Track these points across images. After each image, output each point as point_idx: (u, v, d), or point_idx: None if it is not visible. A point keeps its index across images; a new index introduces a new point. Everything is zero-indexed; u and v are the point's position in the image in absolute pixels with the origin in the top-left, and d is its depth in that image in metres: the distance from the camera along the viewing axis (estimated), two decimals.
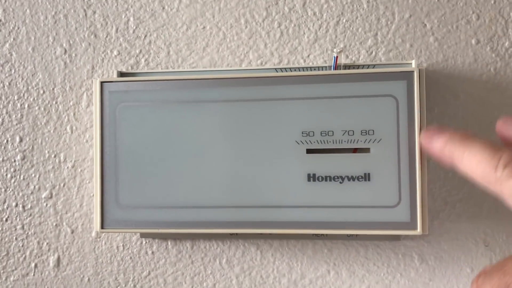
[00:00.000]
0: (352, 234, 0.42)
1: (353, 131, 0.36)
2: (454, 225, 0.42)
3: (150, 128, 0.38)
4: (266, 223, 0.37)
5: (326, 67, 0.41)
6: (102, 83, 0.38)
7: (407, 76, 0.36)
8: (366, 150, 0.36)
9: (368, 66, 0.40)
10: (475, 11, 0.43)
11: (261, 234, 0.43)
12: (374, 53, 0.43)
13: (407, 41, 0.43)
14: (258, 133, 0.37)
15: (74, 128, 0.46)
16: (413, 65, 0.39)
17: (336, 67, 0.40)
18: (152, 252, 0.45)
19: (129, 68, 0.46)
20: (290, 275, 0.44)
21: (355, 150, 0.36)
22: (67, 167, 0.46)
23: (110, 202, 0.38)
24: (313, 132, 0.36)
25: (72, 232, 0.46)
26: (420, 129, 0.35)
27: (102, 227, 0.38)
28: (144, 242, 0.45)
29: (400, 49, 0.43)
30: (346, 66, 0.41)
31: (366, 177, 0.36)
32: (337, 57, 0.40)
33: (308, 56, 0.44)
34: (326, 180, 0.36)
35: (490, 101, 0.42)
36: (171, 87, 0.38)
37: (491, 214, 0.42)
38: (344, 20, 0.44)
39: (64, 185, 0.46)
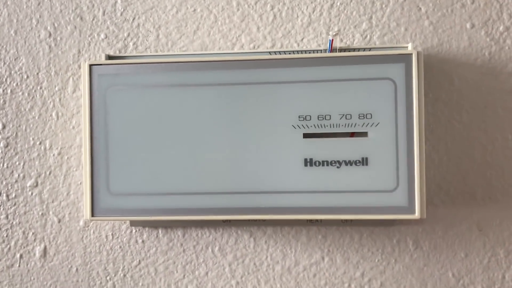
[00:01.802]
0: (348, 220, 0.41)
1: (350, 115, 0.35)
2: (448, 211, 0.42)
3: (141, 112, 0.37)
4: (261, 209, 0.36)
5: (320, 50, 0.40)
6: (90, 66, 0.37)
7: (405, 59, 0.35)
8: (364, 134, 0.35)
9: (364, 50, 0.39)
10: None
11: (254, 221, 0.43)
12: (368, 36, 0.43)
13: (402, 25, 0.43)
14: (253, 117, 0.36)
15: (60, 114, 0.45)
16: (410, 48, 0.39)
17: (332, 50, 0.39)
18: (143, 241, 0.44)
19: (117, 52, 0.44)
20: (284, 262, 0.43)
21: (352, 134, 0.36)
22: (53, 155, 0.45)
23: (100, 189, 0.37)
24: (310, 116, 0.36)
25: (59, 221, 0.45)
26: (419, 113, 0.35)
27: (92, 215, 0.37)
28: (134, 231, 0.44)
29: (395, 33, 0.42)
30: (342, 49, 0.40)
31: (364, 161, 0.35)
32: (332, 40, 0.39)
33: (302, 39, 0.43)
34: (323, 165, 0.35)
35: (485, 85, 0.42)
36: (162, 70, 0.37)
37: (484, 199, 0.42)
38: (338, 3, 0.43)
39: (50, 173, 0.45)
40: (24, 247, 0.45)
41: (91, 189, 0.37)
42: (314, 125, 0.36)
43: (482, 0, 0.42)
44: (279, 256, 0.43)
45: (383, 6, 0.43)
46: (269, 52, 0.40)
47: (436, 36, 0.42)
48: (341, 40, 0.43)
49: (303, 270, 0.43)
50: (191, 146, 0.36)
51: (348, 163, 0.35)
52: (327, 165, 0.35)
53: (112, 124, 0.37)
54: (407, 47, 0.39)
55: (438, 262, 0.42)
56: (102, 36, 0.44)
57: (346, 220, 0.41)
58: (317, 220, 0.42)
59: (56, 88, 0.45)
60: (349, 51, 0.39)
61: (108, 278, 0.45)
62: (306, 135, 0.36)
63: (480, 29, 0.42)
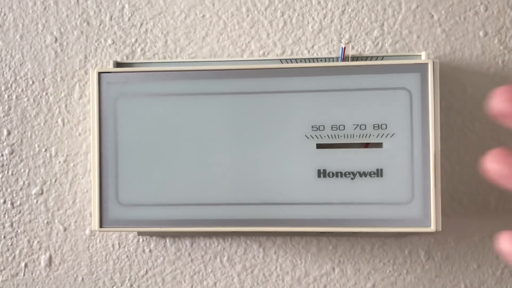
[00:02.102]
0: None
1: (365, 125, 0.35)
2: (460, 221, 0.42)
3: (151, 121, 0.36)
4: (273, 221, 0.35)
5: (332, 58, 0.40)
6: (99, 73, 0.36)
7: (421, 68, 0.34)
8: (379, 145, 0.35)
9: (377, 58, 0.39)
10: (483, 2, 0.42)
11: (263, 231, 0.42)
12: (380, 44, 0.42)
13: (414, 32, 0.42)
14: (265, 127, 0.35)
15: (66, 120, 0.44)
16: (423, 57, 0.38)
17: (344, 58, 0.38)
18: (150, 250, 0.44)
19: (124, 58, 0.44)
20: (293, 273, 0.43)
21: (367, 145, 0.35)
22: (59, 162, 0.44)
23: (109, 200, 0.36)
24: (324, 126, 0.35)
25: (65, 229, 0.44)
26: (434, 124, 0.34)
27: (100, 225, 0.36)
28: (141, 240, 0.44)
29: (407, 41, 0.42)
30: (354, 58, 0.39)
31: (379, 173, 0.35)
32: (345, 48, 0.38)
33: (313, 46, 0.42)
34: (337, 176, 0.35)
35: None
36: (173, 78, 0.36)
37: (497, 210, 0.41)
38: (350, 10, 0.42)
39: (55, 181, 0.44)
40: (29, 256, 0.44)
41: (99, 199, 0.36)
42: (327, 135, 0.35)
43: (495, 7, 0.42)
44: (289, 267, 0.43)
45: (395, 13, 0.42)
46: (280, 60, 0.40)
47: (448, 44, 0.42)
48: (352, 47, 0.42)
49: (313, 281, 0.43)
50: (201, 156, 0.36)
51: (363, 174, 0.35)
52: (341, 176, 0.35)
53: (121, 133, 0.36)
54: (420, 55, 0.39)
55: (450, 273, 0.42)
56: (109, 41, 0.44)
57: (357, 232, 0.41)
58: (327, 231, 0.41)
59: (62, 94, 0.44)
60: (362, 59, 0.39)
61: (114, 287, 0.44)
62: (319, 146, 0.35)
63: (493, 37, 0.42)
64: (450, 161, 0.41)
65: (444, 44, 0.42)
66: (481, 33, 0.42)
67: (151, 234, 0.43)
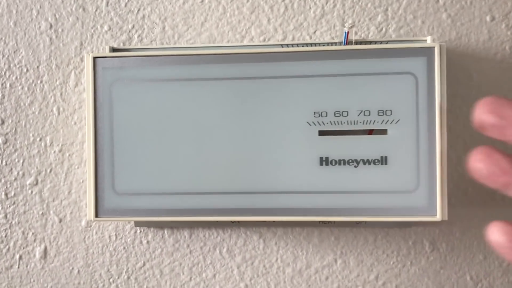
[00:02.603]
0: (363, 221, 0.39)
1: (369, 111, 0.34)
2: (466, 211, 0.41)
3: (147, 108, 0.35)
4: (274, 210, 0.34)
5: (335, 43, 0.38)
6: (95, 58, 0.35)
7: (427, 52, 0.33)
8: (383, 131, 0.34)
9: (381, 43, 0.38)
10: None
11: (264, 221, 0.41)
12: (384, 29, 0.41)
13: (419, 18, 0.41)
14: (266, 113, 0.34)
15: (61, 109, 0.43)
16: (429, 41, 0.37)
17: (347, 43, 0.37)
18: (147, 242, 0.42)
19: (121, 44, 0.42)
20: (294, 264, 0.42)
21: (371, 132, 0.34)
22: (54, 152, 0.43)
23: (105, 189, 0.35)
24: (326, 112, 0.34)
25: (60, 221, 0.43)
26: (441, 110, 0.33)
27: (96, 215, 0.35)
28: (138, 231, 0.42)
29: (411, 26, 0.41)
30: (357, 43, 0.38)
31: (383, 160, 0.33)
32: (348, 32, 0.37)
33: (315, 32, 0.41)
34: (340, 164, 0.34)
35: (505, 81, 0.40)
36: (170, 63, 0.35)
37: (504, 199, 0.40)
38: None
39: (50, 171, 0.43)
40: (23, 248, 0.43)
41: (95, 188, 0.35)
42: (330, 121, 0.34)
43: None
44: (290, 258, 0.42)
45: None
46: (281, 45, 0.38)
47: (454, 29, 0.40)
48: (356, 33, 0.41)
49: (315, 273, 0.42)
50: (200, 143, 0.35)
51: (366, 162, 0.34)
52: (344, 164, 0.34)
53: (117, 119, 0.35)
54: (425, 40, 0.37)
55: (456, 264, 0.41)
56: (106, 28, 0.43)
57: (360, 221, 0.40)
58: (330, 221, 0.40)
59: (57, 82, 0.43)
60: (365, 44, 0.37)
61: (111, 280, 0.43)
62: (322, 132, 0.34)
63: (500, 22, 0.40)
64: (455, 150, 0.40)
65: (449, 29, 0.41)
66: (488, 18, 0.40)
67: (149, 225, 0.42)
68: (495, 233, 0.25)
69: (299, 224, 0.41)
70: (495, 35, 0.40)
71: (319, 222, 0.40)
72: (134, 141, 0.35)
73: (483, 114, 0.24)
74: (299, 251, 0.42)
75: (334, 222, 0.40)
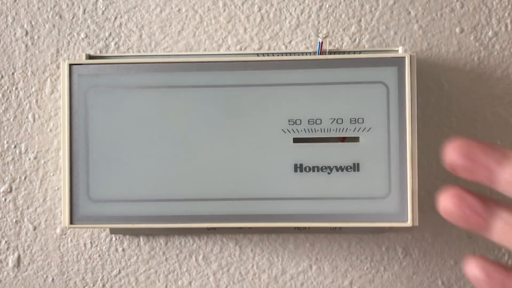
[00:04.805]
0: (337, 227, 0.40)
1: (342, 119, 0.34)
2: (438, 217, 0.41)
3: (123, 115, 0.35)
4: (249, 217, 0.35)
5: (309, 53, 0.39)
6: (70, 65, 0.35)
7: (398, 62, 0.34)
8: (356, 139, 0.34)
9: (354, 52, 0.38)
10: None
11: (240, 228, 0.41)
12: (357, 40, 0.42)
13: (391, 28, 0.42)
14: (241, 121, 0.35)
15: (36, 116, 0.43)
16: (400, 52, 0.38)
17: (321, 52, 0.38)
18: (123, 249, 0.42)
19: (98, 52, 0.42)
20: (270, 271, 0.42)
21: (343, 139, 0.35)
22: (29, 159, 0.42)
23: (80, 195, 0.35)
24: (300, 120, 0.34)
25: (35, 228, 0.43)
26: (411, 118, 0.34)
27: (71, 222, 0.35)
28: (114, 239, 0.42)
29: (384, 37, 0.42)
30: (331, 52, 0.39)
31: (355, 167, 0.34)
32: (322, 42, 0.38)
33: (290, 42, 0.42)
34: (313, 171, 0.34)
35: (474, 90, 0.42)
36: (146, 70, 0.35)
37: None
38: (327, 5, 0.42)
39: (25, 178, 0.43)
40: None
41: (69, 195, 0.35)
42: (304, 129, 0.34)
43: (471, 4, 0.42)
44: (266, 265, 0.42)
45: (373, 9, 0.42)
46: (257, 54, 0.39)
47: (425, 40, 0.42)
48: (330, 43, 0.42)
49: (290, 279, 0.42)
50: (175, 150, 0.35)
51: (339, 168, 0.34)
52: (318, 170, 0.34)
53: (92, 126, 0.35)
54: (397, 50, 0.38)
55: (428, 270, 0.42)
56: (82, 35, 0.43)
57: (334, 227, 0.40)
58: (305, 227, 0.41)
59: (33, 89, 0.43)
60: (339, 54, 0.38)
61: None
62: (296, 140, 0.34)
63: (469, 34, 0.42)
64: (427, 157, 0.41)
65: (421, 40, 0.42)
66: (457, 30, 0.42)
67: (124, 232, 0.41)
68: (473, 268, 0.25)
69: (274, 231, 0.42)
70: (464, 46, 0.42)
71: (294, 228, 0.41)
72: (110, 148, 0.35)
73: (453, 156, 0.25)
74: (274, 257, 0.42)
75: (309, 228, 0.41)
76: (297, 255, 0.42)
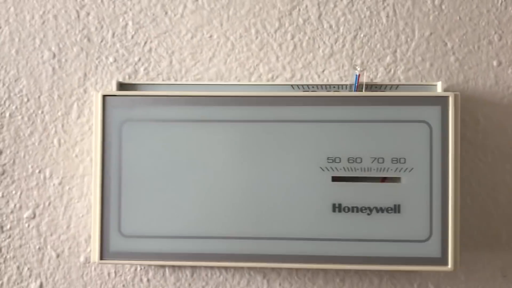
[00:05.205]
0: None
1: (383, 159, 0.33)
2: (471, 255, 0.40)
3: (156, 148, 0.34)
4: (286, 257, 0.34)
5: (344, 85, 0.38)
6: (104, 96, 0.34)
7: (442, 101, 0.33)
8: (397, 179, 0.33)
9: (391, 86, 0.38)
10: (498, 32, 0.41)
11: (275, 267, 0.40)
12: (392, 71, 0.41)
13: (427, 60, 0.41)
14: (278, 158, 0.34)
15: (62, 141, 0.42)
16: (439, 88, 0.37)
17: (358, 85, 0.37)
18: (148, 280, 0.41)
19: (126, 77, 0.41)
20: None
21: (384, 179, 0.34)
22: (53, 184, 0.42)
23: (111, 230, 0.34)
24: (340, 158, 0.33)
25: (58, 256, 0.42)
26: (455, 159, 0.33)
27: (101, 257, 0.34)
28: (138, 269, 0.41)
29: (419, 68, 0.41)
30: (368, 85, 0.38)
31: (396, 208, 0.33)
32: (359, 75, 0.37)
33: (323, 71, 0.41)
34: (352, 211, 0.33)
35: (511, 125, 0.41)
36: (180, 103, 0.34)
37: (509, 244, 0.40)
38: (362, 35, 0.41)
39: (49, 204, 0.42)
40: (18, 283, 0.42)
41: (100, 230, 0.34)
42: (344, 167, 0.33)
43: (509, 37, 0.41)
44: None
45: (408, 40, 0.41)
46: (291, 86, 0.38)
47: (462, 73, 0.41)
48: (365, 75, 0.41)
49: None
50: (209, 186, 0.34)
51: (379, 210, 0.33)
52: (357, 211, 0.33)
53: (125, 159, 0.34)
54: (435, 85, 0.38)
55: None
56: (111, 59, 0.42)
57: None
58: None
59: (59, 113, 0.42)
60: (376, 87, 0.37)
61: None
62: (335, 178, 0.34)
63: (507, 67, 0.41)
64: (461, 193, 0.40)
65: (457, 72, 0.41)
66: (494, 63, 0.41)
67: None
68: None
69: None
70: (502, 79, 0.41)
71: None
72: (142, 182, 0.34)
73: None
74: None
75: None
76: None
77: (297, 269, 0.41)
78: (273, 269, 0.41)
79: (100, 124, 0.34)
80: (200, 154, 0.34)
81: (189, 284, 0.41)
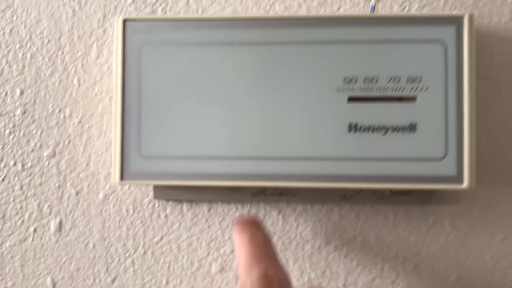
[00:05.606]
0: (382, 197, 0.39)
1: (399, 78, 0.34)
2: (486, 190, 0.41)
3: (176, 71, 0.35)
4: (302, 176, 0.34)
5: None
6: (124, 21, 0.35)
7: (456, 21, 0.34)
8: (412, 98, 0.34)
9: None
10: None
11: (284, 196, 0.40)
12: (407, 8, 0.41)
13: None
14: (295, 79, 0.34)
15: (82, 80, 0.43)
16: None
17: None
18: (166, 216, 0.42)
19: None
20: (314, 241, 0.41)
21: (400, 99, 0.34)
22: (73, 123, 0.42)
23: (131, 151, 0.35)
24: (356, 78, 0.34)
25: (77, 193, 0.42)
26: (470, 78, 0.33)
27: (121, 178, 0.35)
28: (156, 205, 0.42)
29: (434, 5, 0.41)
30: None
31: (412, 127, 0.33)
32: (374, 6, 0.38)
33: (339, 9, 0.42)
34: (368, 131, 0.34)
35: None
36: (201, 27, 0.35)
37: None
38: None
39: (69, 143, 0.42)
40: (38, 221, 0.43)
41: (121, 151, 0.35)
42: (360, 88, 0.34)
43: None
44: (309, 235, 0.41)
45: None
46: None
47: (476, 9, 0.41)
48: (379, 9, 0.41)
49: (334, 250, 0.41)
50: (227, 108, 0.35)
51: (395, 129, 0.34)
52: (373, 131, 0.34)
53: (145, 82, 0.35)
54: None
55: (475, 244, 0.41)
56: (129, 0, 0.43)
57: (381, 198, 0.39)
58: (350, 197, 0.40)
59: (79, 54, 0.43)
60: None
61: (127, 254, 0.42)
62: (351, 99, 0.34)
63: None
64: (476, 129, 0.40)
65: (472, 9, 0.41)
66: None
67: (167, 197, 0.41)
68: None
69: (319, 201, 0.41)
70: None
71: (340, 197, 0.40)
72: (162, 104, 0.35)
73: None
74: (318, 228, 0.41)
75: (355, 197, 0.40)
76: (341, 226, 0.41)
77: (312, 205, 0.41)
78: (288, 204, 0.41)
79: (120, 48, 0.35)
80: (218, 77, 0.35)
81: (206, 220, 0.42)
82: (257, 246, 0.31)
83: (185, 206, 0.42)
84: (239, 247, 0.32)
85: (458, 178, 0.33)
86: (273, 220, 0.41)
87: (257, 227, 0.33)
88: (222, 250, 0.42)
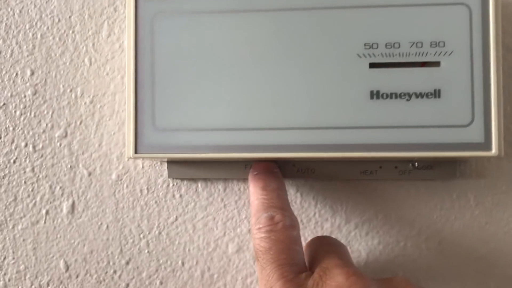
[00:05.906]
0: (405, 171, 0.38)
1: (421, 43, 0.32)
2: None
3: (190, 41, 0.34)
4: (322, 146, 0.33)
5: None
6: None
7: None
8: (436, 63, 0.32)
9: None
10: None
11: (302, 172, 0.39)
12: None
13: None
14: (314, 46, 0.33)
15: (93, 60, 0.42)
16: None
17: None
18: (180, 196, 0.41)
19: None
20: (333, 220, 0.40)
21: (423, 64, 0.33)
22: (85, 103, 0.42)
23: (145, 124, 0.34)
24: (377, 44, 0.33)
25: (89, 174, 0.41)
26: (496, 41, 0.32)
27: (135, 151, 0.34)
28: (171, 185, 0.41)
29: None
30: None
31: (436, 93, 0.32)
32: None
33: None
34: (391, 98, 0.32)
35: None
36: None
37: None
38: None
39: (80, 123, 0.42)
40: (50, 203, 0.42)
41: (134, 123, 0.34)
42: (381, 53, 0.33)
43: None
44: (329, 213, 0.40)
45: None
46: None
47: None
48: None
49: (355, 228, 0.40)
50: (243, 78, 0.33)
51: (419, 95, 0.32)
52: (396, 97, 0.32)
53: (158, 53, 0.34)
54: None
55: (502, 219, 0.39)
56: None
57: (402, 173, 0.38)
58: (370, 172, 0.39)
59: (90, 33, 0.42)
60: None
61: (141, 236, 0.41)
62: (372, 65, 0.33)
63: None
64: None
65: None
66: None
67: (182, 176, 0.40)
68: None
69: (338, 177, 0.40)
70: None
71: (360, 173, 0.39)
72: (176, 75, 0.34)
73: None
74: (338, 205, 0.40)
75: (376, 172, 0.38)
76: (362, 203, 0.40)
77: (330, 182, 0.40)
78: (306, 182, 0.40)
79: (133, 17, 0.34)
80: (234, 45, 0.34)
81: (222, 199, 0.41)
82: (269, 195, 0.32)
83: (200, 185, 0.41)
84: (252, 194, 0.33)
85: (486, 145, 0.32)
86: (290, 198, 0.40)
87: (272, 176, 0.34)
88: (238, 230, 0.41)
